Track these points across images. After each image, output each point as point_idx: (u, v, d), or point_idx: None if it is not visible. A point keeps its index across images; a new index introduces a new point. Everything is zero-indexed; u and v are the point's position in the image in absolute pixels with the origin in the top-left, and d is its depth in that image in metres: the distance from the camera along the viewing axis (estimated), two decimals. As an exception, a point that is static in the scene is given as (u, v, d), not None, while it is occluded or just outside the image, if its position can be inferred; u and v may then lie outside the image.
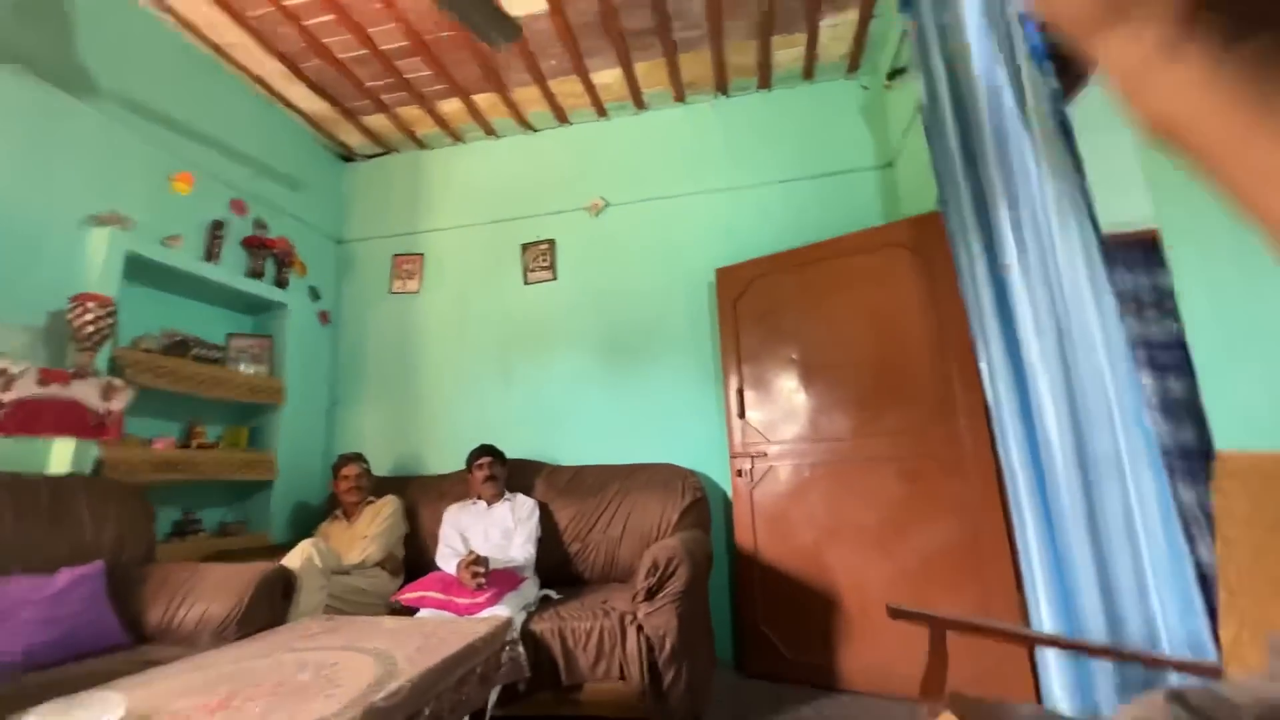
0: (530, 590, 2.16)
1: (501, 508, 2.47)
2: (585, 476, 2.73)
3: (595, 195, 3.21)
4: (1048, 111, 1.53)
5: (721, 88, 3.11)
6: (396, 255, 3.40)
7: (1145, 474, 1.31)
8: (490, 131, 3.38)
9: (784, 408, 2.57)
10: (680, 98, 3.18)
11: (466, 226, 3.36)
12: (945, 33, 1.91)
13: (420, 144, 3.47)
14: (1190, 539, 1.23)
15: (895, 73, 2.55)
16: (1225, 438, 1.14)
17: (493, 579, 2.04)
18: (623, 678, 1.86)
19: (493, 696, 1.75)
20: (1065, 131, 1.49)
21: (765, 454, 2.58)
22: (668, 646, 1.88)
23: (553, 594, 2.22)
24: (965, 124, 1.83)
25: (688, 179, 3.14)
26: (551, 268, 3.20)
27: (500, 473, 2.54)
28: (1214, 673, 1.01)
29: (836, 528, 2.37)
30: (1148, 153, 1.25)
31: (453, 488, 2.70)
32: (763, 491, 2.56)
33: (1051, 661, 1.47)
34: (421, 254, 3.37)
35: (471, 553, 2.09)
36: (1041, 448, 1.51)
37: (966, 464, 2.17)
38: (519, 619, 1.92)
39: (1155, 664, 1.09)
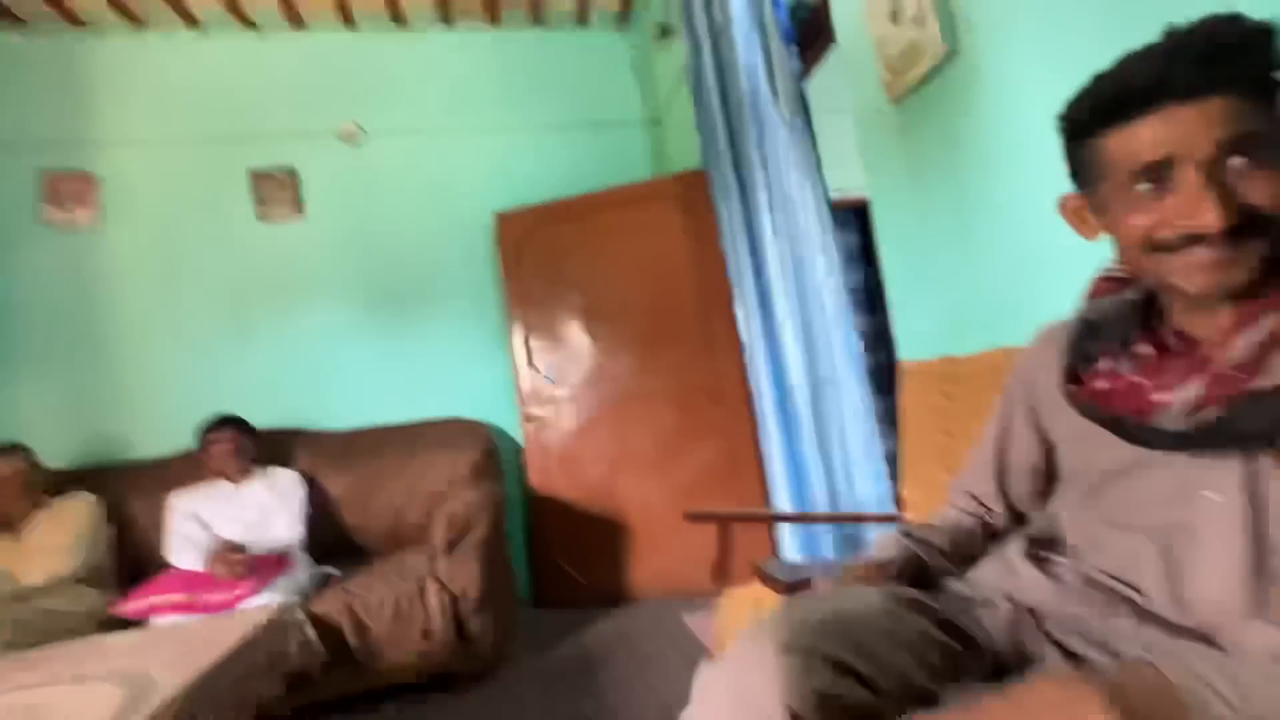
0: (303, 573, 1.91)
1: (254, 486, 2.10)
2: (360, 441, 2.46)
3: (346, 119, 2.78)
4: (791, 87, 1.80)
5: (493, 15, 2.92)
6: (48, 171, 2.50)
7: (854, 388, 1.72)
8: (191, 20, 2.64)
9: (570, 352, 2.66)
10: (448, 19, 2.90)
11: (166, 144, 2.62)
12: (710, 1, 2.09)
13: (75, 20, 2.55)
14: (881, 434, 1.69)
15: (663, 32, 2.70)
16: (905, 351, 1.54)
17: (254, 566, 1.75)
18: (425, 637, 1.80)
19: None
20: (804, 107, 1.78)
21: (555, 398, 2.65)
22: (473, 596, 1.87)
23: (333, 571, 2.00)
24: (725, 90, 2.05)
25: (461, 114, 2.91)
26: (296, 203, 2.70)
27: (248, 445, 2.15)
28: (898, 519, 1.40)
29: (622, 458, 2.58)
30: (861, 132, 1.57)
31: (180, 472, 2.20)
32: (554, 434, 2.64)
33: (788, 534, 1.87)
34: (92, 173, 2.53)
35: (224, 542, 1.76)
36: (784, 375, 1.87)
37: (726, 393, 2.54)
38: (295, 603, 1.70)
39: (860, 520, 1.49)
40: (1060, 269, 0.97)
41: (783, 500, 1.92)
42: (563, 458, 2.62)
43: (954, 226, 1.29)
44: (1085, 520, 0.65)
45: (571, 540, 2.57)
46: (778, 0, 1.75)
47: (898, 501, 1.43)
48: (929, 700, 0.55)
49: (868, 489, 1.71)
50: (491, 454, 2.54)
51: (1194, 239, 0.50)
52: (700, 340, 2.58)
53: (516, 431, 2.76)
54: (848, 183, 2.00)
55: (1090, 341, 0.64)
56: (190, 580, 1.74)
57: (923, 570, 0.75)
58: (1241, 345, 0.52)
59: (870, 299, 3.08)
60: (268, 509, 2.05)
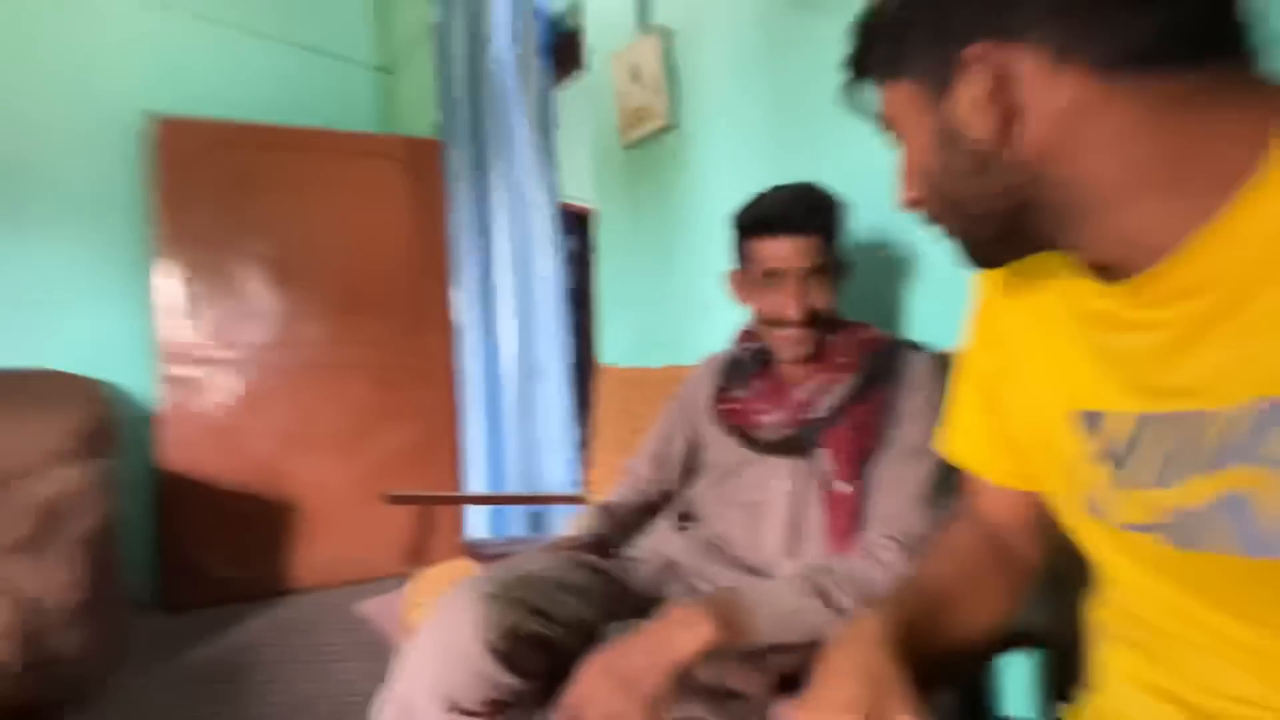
0: None
1: None
2: None
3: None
4: (540, 93, 1.91)
5: None
6: None
7: (559, 381, 1.92)
8: None
9: (245, 308, 2.25)
10: None
11: None
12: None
13: None
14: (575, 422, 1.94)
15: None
16: (607, 356, 1.81)
17: None
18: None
19: None
20: (549, 114, 1.91)
21: (214, 359, 2.21)
22: (64, 606, 1.45)
23: None
24: (475, 72, 2.04)
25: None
26: None
27: None
28: (585, 500, 1.64)
29: (302, 435, 2.31)
30: (596, 164, 1.77)
31: None
32: (207, 401, 2.19)
33: (479, 516, 1.99)
34: None
35: None
36: (499, 361, 1.97)
37: (433, 373, 2.49)
38: None
39: (552, 500, 1.70)
40: (723, 314, 1.31)
41: (477, 482, 2.01)
42: (218, 430, 2.20)
43: (657, 263, 1.58)
44: (711, 499, 0.93)
45: (219, 528, 2.18)
46: (539, 10, 1.84)
47: (585, 485, 1.67)
48: (593, 631, 0.74)
49: (558, 473, 1.93)
50: (107, 421, 1.97)
51: (788, 323, 0.81)
52: (411, 316, 2.48)
53: (150, 393, 2.20)
54: (574, 191, 2.21)
55: (730, 373, 0.95)
56: None
57: (603, 540, 0.96)
58: (805, 390, 0.84)
59: (576, 299, 3.41)
60: None
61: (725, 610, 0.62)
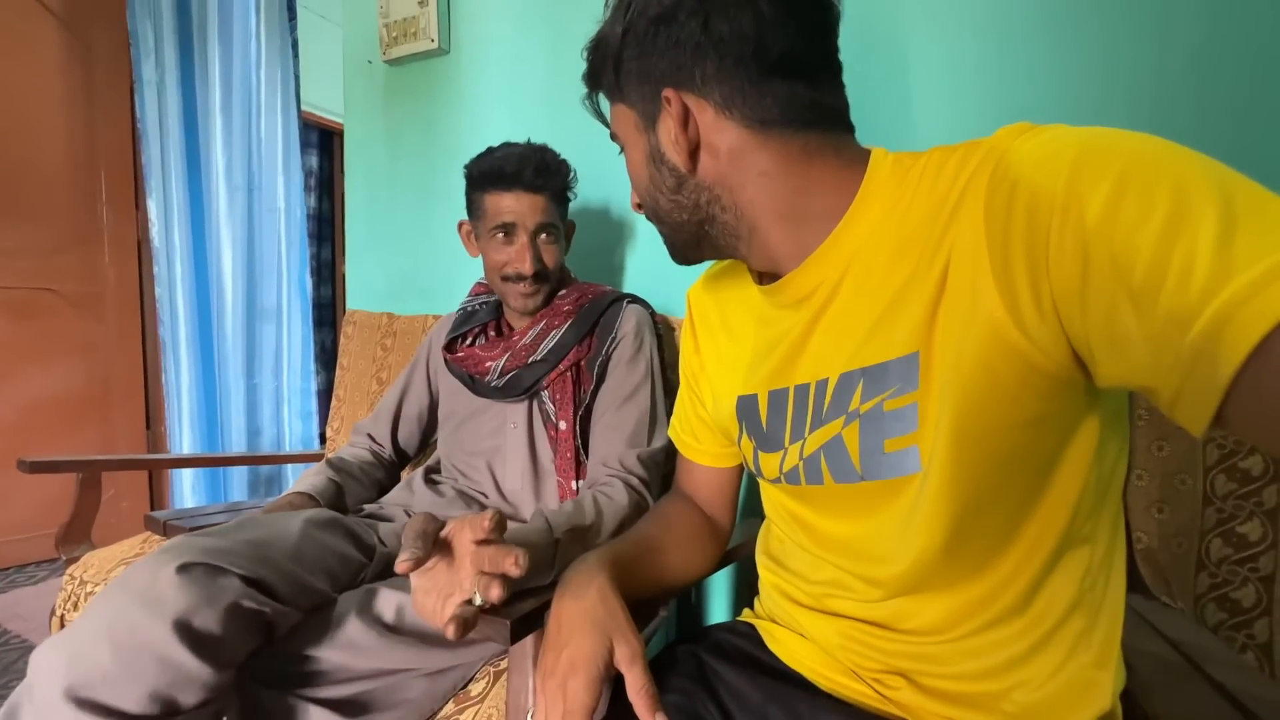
0: None
1: None
2: None
3: None
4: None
5: None
6: None
7: (298, 322, 1.66)
8: None
9: None
10: None
11: None
12: None
13: None
14: (317, 370, 1.68)
15: None
16: (355, 300, 1.61)
17: None
18: None
19: None
20: (289, 8, 1.58)
21: None
22: None
23: None
24: None
25: None
26: None
27: None
28: (320, 457, 1.46)
29: None
30: (349, 74, 1.51)
31: None
32: None
33: (188, 478, 1.65)
34: None
35: None
36: (212, 297, 1.61)
37: (107, 303, 1.94)
38: None
39: (281, 460, 1.47)
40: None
41: (184, 440, 1.64)
42: None
43: (417, 201, 1.44)
44: (453, 449, 0.92)
45: None
46: None
47: (322, 439, 1.49)
48: (324, 603, 0.65)
49: (298, 428, 1.68)
50: None
51: (520, 277, 0.84)
52: (70, 224, 1.88)
53: None
54: (326, 102, 1.86)
55: (464, 324, 0.95)
56: None
57: (341, 496, 0.87)
58: (528, 335, 0.88)
59: (322, 229, 2.94)
60: None
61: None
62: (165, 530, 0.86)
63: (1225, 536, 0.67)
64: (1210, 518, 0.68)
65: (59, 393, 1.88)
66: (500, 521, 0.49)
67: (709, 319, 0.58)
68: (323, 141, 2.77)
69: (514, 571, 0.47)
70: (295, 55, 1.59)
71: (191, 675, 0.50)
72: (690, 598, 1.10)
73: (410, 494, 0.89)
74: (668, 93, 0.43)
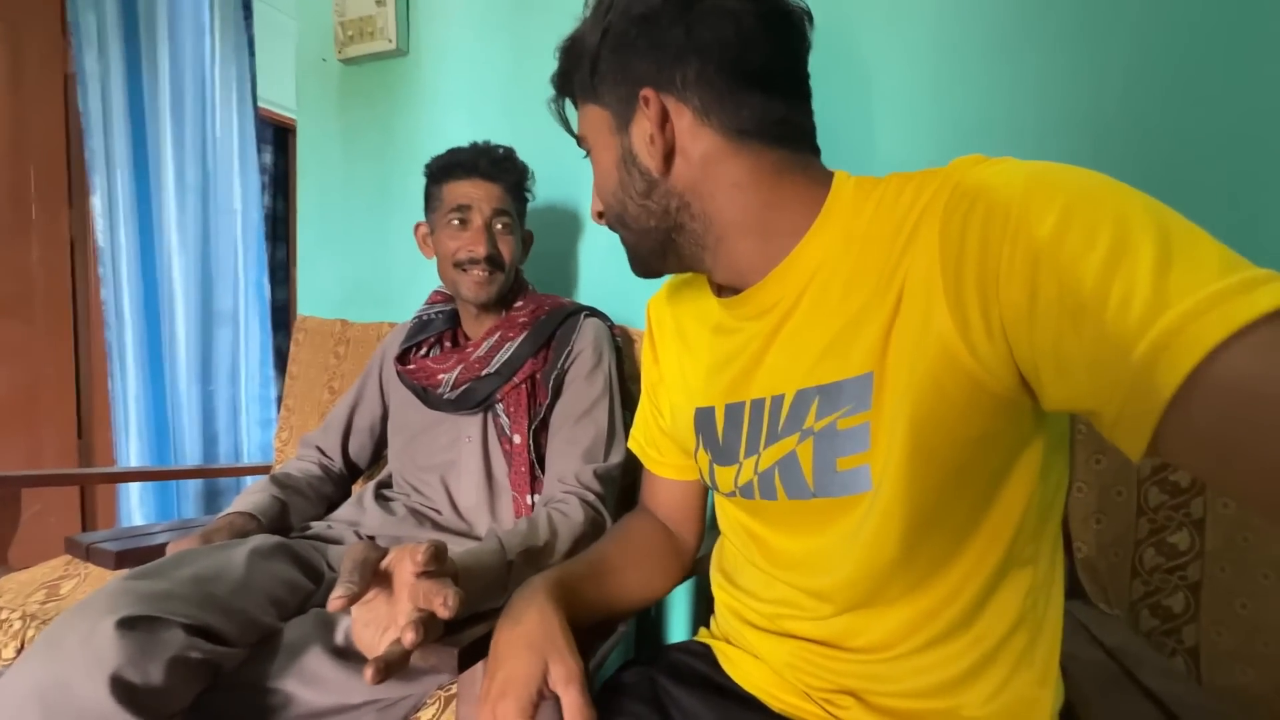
0: None
1: None
2: None
3: None
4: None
5: None
6: None
7: (255, 327, 1.59)
8: None
9: None
10: None
11: None
12: None
13: None
14: (276, 375, 1.60)
15: None
16: (305, 306, 1.55)
17: None
18: None
19: None
20: (247, 14, 1.52)
21: None
22: None
23: None
24: None
25: None
26: None
27: None
28: (268, 469, 1.40)
29: None
30: (302, 73, 1.46)
31: None
32: None
33: (135, 492, 1.56)
34: None
35: None
36: (162, 300, 1.53)
37: (35, 304, 1.82)
38: None
39: (237, 473, 1.40)
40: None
41: (132, 451, 1.55)
42: None
43: (373, 205, 1.40)
44: (405, 464, 0.89)
45: None
46: None
47: (275, 452, 1.42)
48: (272, 634, 0.62)
49: (255, 435, 1.61)
50: None
51: (474, 262, 0.84)
52: (1, 225, 1.75)
53: None
54: (281, 98, 1.79)
55: (418, 334, 0.92)
56: None
57: (286, 514, 0.83)
58: (482, 348, 0.87)
59: (277, 228, 2.83)
60: None
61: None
62: (88, 554, 0.80)
63: (1157, 546, 0.70)
64: (1143, 528, 0.71)
65: (-19, 400, 1.75)
66: (436, 553, 0.46)
67: (666, 330, 0.58)
68: (278, 138, 2.67)
69: (442, 612, 0.45)
70: (251, 53, 1.53)
71: None
72: (650, 614, 1.10)
73: (361, 511, 0.86)
74: (647, 92, 0.43)
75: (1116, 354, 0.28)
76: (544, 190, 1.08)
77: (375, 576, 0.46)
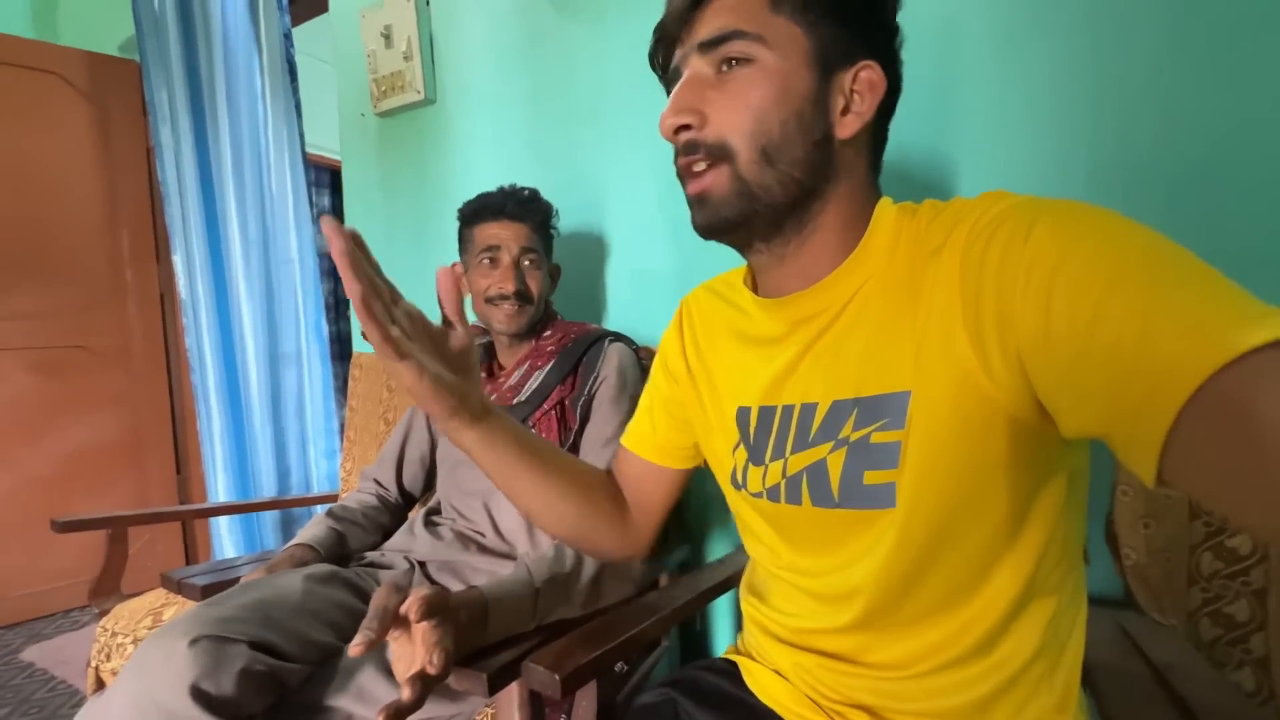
0: None
1: None
2: None
3: None
4: (279, 47, 1.63)
5: None
6: None
7: (316, 364, 1.72)
8: None
9: None
10: None
11: None
12: None
13: None
14: (339, 405, 1.72)
15: None
16: (361, 342, 1.66)
17: None
18: None
19: None
20: (290, 70, 1.64)
21: None
22: None
23: None
24: (188, 15, 1.64)
25: None
26: None
27: None
28: (335, 498, 1.51)
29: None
30: (347, 107, 1.57)
31: None
32: None
33: (224, 524, 1.71)
34: None
35: None
36: (235, 345, 1.67)
37: (134, 355, 2.04)
38: None
39: (308, 502, 1.52)
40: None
41: (220, 486, 1.70)
42: None
43: (413, 245, 1.49)
44: (450, 490, 0.95)
45: None
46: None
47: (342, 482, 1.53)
48: (333, 653, 0.69)
49: (324, 467, 1.73)
50: None
51: (504, 297, 0.90)
52: (97, 283, 1.98)
53: None
54: (325, 140, 1.92)
55: None
56: None
57: (343, 544, 0.91)
58: (514, 376, 0.92)
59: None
60: None
61: (462, 599, 0.62)
62: (179, 589, 0.91)
63: (1215, 550, 0.66)
64: (1198, 532, 0.67)
65: (93, 444, 1.96)
66: (429, 606, 0.49)
67: (713, 325, 0.57)
68: (334, 181, 2.87)
69: (429, 670, 0.48)
70: (299, 114, 1.66)
71: None
72: (695, 626, 1.11)
73: (412, 538, 0.92)
74: (873, 64, 0.43)
75: (1124, 380, 0.29)
76: (568, 219, 1.13)
77: (395, 620, 0.49)
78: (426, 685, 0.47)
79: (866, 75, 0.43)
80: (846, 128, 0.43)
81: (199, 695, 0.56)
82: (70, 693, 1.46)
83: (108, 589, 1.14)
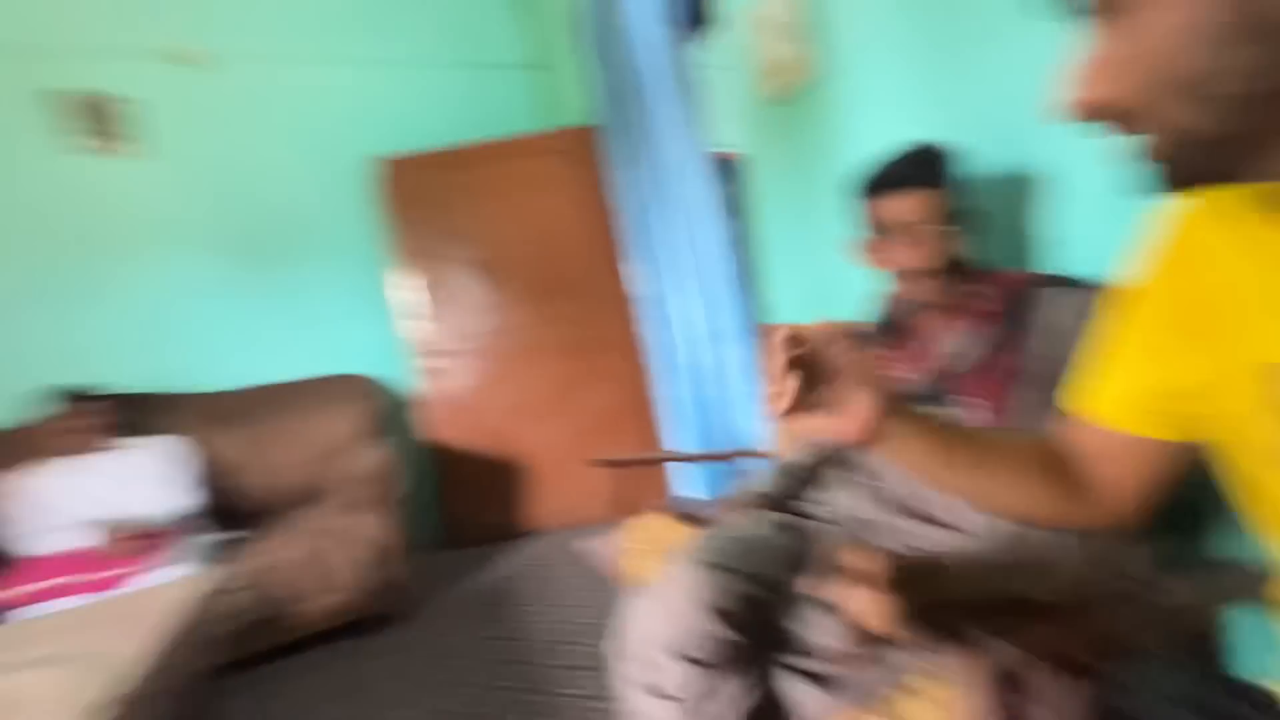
0: (202, 540, 1.88)
1: (114, 457, 1.94)
2: (243, 402, 2.35)
3: (186, 41, 2.42)
4: (680, 64, 1.94)
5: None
6: None
7: (740, 338, 2.01)
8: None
9: (464, 304, 2.70)
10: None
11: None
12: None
13: None
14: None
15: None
16: (777, 314, 1.84)
17: (151, 541, 1.72)
18: (337, 588, 1.88)
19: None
20: (689, 71, 1.94)
21: (451, 350, 2.70)
22: (379, 546, 1.97)
23: (238, 535, 1.98)
24: (618, 56, 2.11)
25: (323, 41, 2.66)
26: (136, 139, 2.35)
27: (110, 420, 1.99)
28: (764, 454, 1.73)
29: (522, 405, 2.73)
30: (743, 102, 1.75)
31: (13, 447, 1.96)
32: (451, 385, 2.71)
33: (688, 473, 2.19)
34: None
35: (116, 519, 1.69)
36: (687, 326, 2.11)
37: (614, 343, 2.73)
38: (209, 571, 1.70)
39: (750, 455, 1.81)
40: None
41: (685, 442, 2.20)
42: (463, 408, 2.71)
43: (814, 219, 1.57)
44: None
45: (474, 484, 2.71)
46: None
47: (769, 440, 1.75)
48: (790, 591, 0.81)
49: (749, 429, 2.03)
50: (382, 408, 2.56)
51: (919, 273, 0.88)
52: (592, 294, 2.72)
53: (403, 384, 2.77)
54: (719, 138, 2.20)
55: (877, 334, 0.98)
56: (72, 562, 1.66)
57: (790, 494, 1.05)
58: (947, 344, 0.87)
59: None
60: (132, 480, 1.93)
61: (922, 566, 0.67)
62: (675, 513, 1.21)
63: None
64: None
65: (602, 408, 2.75)
66: (892, 578, 0.53)
67: (1231, 253, 0.41)
68: (726, 171, 3.21)
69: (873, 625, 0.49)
70: (701, 121, 1.95)
71: (723, 639, 0.73)
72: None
73: (850, 500, 0.99)
74: None
75: None
76: (990, 153, 1.00)
77: (857, 575, 0.53)
78: (871, 643, 0.52)
79: None
80: None
81: (713, 609, 0.73)
82: (593, 576, 2.06)
83: (623, 506, 1.63)
